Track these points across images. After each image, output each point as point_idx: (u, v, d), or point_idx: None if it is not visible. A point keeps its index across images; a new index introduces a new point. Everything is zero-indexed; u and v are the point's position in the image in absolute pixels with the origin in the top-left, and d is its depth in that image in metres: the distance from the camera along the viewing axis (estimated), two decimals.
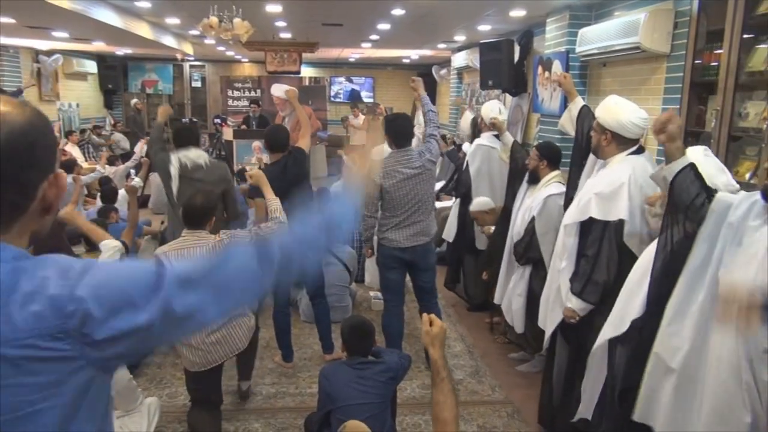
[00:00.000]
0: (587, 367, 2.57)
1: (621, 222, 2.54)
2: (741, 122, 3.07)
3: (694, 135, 3.47)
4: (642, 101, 4.11)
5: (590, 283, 2.60)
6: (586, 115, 3.07)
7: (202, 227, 3.01)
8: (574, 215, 2.70)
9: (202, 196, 3.10)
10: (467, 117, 5.70)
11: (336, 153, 8.48)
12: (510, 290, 3.72)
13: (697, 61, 3.42)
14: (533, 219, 3.46)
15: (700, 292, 1.94)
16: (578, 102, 3.19)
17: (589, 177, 2.87)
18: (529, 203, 3.57)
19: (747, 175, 3.02)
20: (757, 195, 1.82)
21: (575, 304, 2.64)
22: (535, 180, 3.59)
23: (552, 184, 3.50)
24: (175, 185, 3.74)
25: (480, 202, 4.39)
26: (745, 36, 2.99)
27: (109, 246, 3.01)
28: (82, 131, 10.27)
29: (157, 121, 4.40)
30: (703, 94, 3.46)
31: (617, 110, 2.65)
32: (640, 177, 2.60)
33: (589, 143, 2.85)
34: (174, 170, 3.90)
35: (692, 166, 2.02)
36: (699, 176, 2.01)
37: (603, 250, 2.57)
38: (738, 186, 2.23)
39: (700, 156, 2.24)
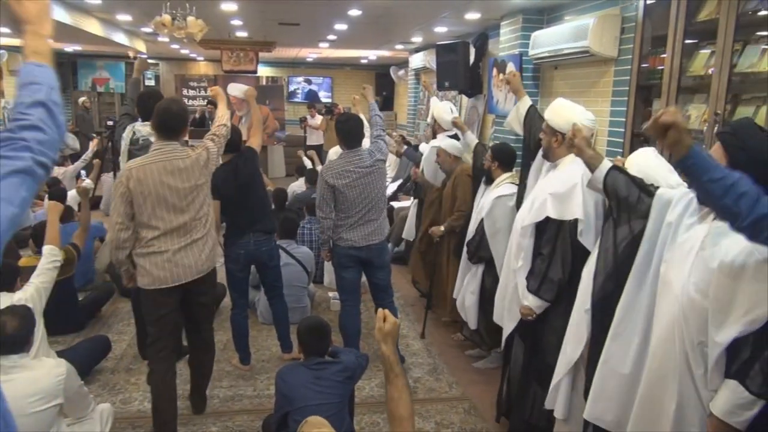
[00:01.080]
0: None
1: (575, 221, 2.61)
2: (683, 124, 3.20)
3: (642, 136, 3.59)
4: (591, 103, 4.24)
5: (546, 281, 2.66)
6: (533, 116, 3.14)
7: (176, 138, 2.78)
8: (531, 216, 2.75)
9: (178, 103, 2.87)
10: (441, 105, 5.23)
11: (296, 153, 8.42)
12: (464, 288, 3.78)
13: (643, 65, 3.55)
14: (482, 220, 3.52)
15: (645, 290, 2.00)
16: (526, 101, 3.23)
17: (537, 177, 2.94)
18: (482, 203, 3.63)
19: None
20: (693, 193, 1.91)
21: (532, 301, 2.71)
22: (490, 180, 3.66)
23: (503, 185, 3.56)
24: (122, 163, 3.38)
25: (450, 143, 4.30)
26: (686, 42, 3.12)
27: (51, 255, 2.96)
28: None
29: (133, 77, 4.01)
30: (648, 96, 3.59)
31: (567, 112, 2.72)
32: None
33: (537, 145, 2.92)
34: (124, 145, 3.60)
35: (616, 168, 2.15)
36: (626, 174, 2.13)
37: (558, 248, 2.65)
38: (686, 184, 2.33)
39: (651, 157, 2.33)
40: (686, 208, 1.90)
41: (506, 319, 3.00)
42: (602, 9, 4.15)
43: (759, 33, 2.78)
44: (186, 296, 2.92)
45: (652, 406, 1.89)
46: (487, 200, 3.54)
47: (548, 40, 4.53)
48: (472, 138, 4.12)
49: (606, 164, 2.18)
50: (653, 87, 3.45)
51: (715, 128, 2.82)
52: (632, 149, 3.43)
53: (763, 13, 2.70)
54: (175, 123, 2.76)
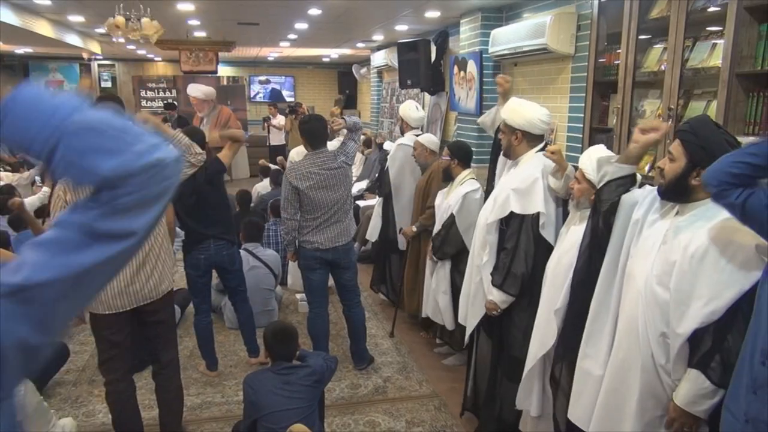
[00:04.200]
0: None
1: (537, 215, 2.66)
2: (639, 119, 3.28)
3: (600, 131, 3.67)
4: (551, 99, 4.31)
5: (510, 275, 2.70)
6: None
7: None
8: (495, 212, 2.78)
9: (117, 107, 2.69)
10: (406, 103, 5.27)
11: (259, 154, 8.35)
12: (434, 290, 3.79)
13: (600, 60, 3.62)
14: (452, 216, 3.55)
15: (614, 289, 2.04)
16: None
17: (501, 175, 2.98)
18: (447, 201, 3.66)
19: (646, 168, 3.23)
20: (654, 192, 1.95)
21: (497, 296, 2.74)
22: (448, 178, 3.69)
23: (467, 181, 3.61)
24: None
25: (428, 137, 4.29)
26: (640, 38, 3.20)
27: None
28: None
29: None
30: (605, 92, 3.66)
31: (524, 110, 2.77)
32: (550, 170, 2.75)
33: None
34: None
35: (633, 178, 2.09)
36: (628, 186, 2.08)
37: (521, 242, 2.69)
38: (640, 176, 2.39)
39: (602, 153, 2.38)
40: (651, 204, 1.95)
41: (470, 314, 3.02)
42: (558, 7, 4.22)
43: (708, 29, 2.86)
44: (139, 316, 2.72)
45: (615, 396, 1.93)
46: (455, 197, 3.57)
47: (507, 38, 4.58)
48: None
49: (632, 170, 2.11)
50: (610, 83, 3.52)
51: (669, 122, 2.90)
52: (591, 143, 3.50)
53: (711, 9, 2.78)
54: None
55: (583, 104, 3.80)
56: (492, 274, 2.78)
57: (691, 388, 1.70)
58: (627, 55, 3.23)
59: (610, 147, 3.20)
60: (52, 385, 3.59)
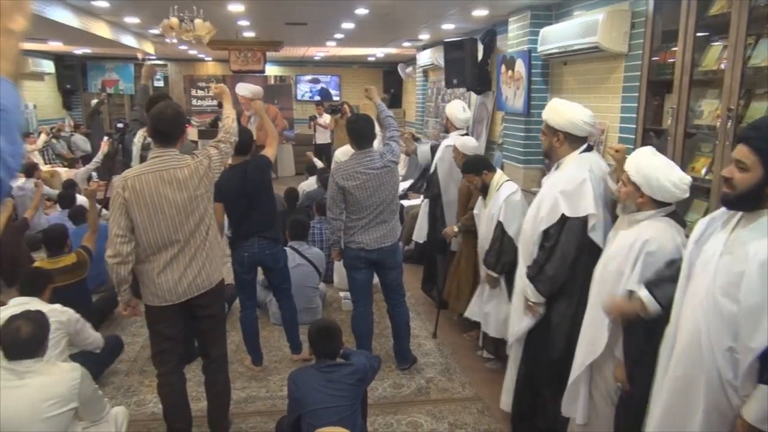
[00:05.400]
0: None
1: (585, 218, 2.60)
2: (696, 119, 3.16)
3: (653, 132, 3.56)
4: (601, 99, 4.21)
5: (542, 273, 2.66)
6: None
7: (173, 144, 2.62)
8: (546, 219, 2.70)
9: (172, 106, 2.68)
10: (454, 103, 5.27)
11: (305, 153, 8.44)
12: (495, 304, 3.66)
13: (654, 59, 3.51)
14: (499, 224, 3.44)
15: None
16: None
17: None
18: (487, 211, 3.60)
19: (703, 171, 3.12)
20: (713, 214, 1.92)
21: (529, 293, 2.70)
22: (485, 190, 3.64)
23: (504, 185, 3.54)
24: (134, 166, 3.21)
25: (463, 142, 4.22)
26: (698, 35, 3.08)
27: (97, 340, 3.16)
28: (52, 129, 10.00)
29: (141, 83, 4.10)
30: (660, 92, 3.54)
31: (566, 111, 2.70)
32: (597, 171, 2.69)
33: None
34: (135, 150, 3.55)
35: (651, 284, 2.13)
36: (665, 279, 2.10)
37: (560, 243, 2.63)
38: (690, 179, 2.31)
39: (649, 155, 2.32)
40: (709, 224, 1.91)
41: (515, 324, 2.97)
42: (611, 4, 4.11)
43: None
44: (192, 310, 2.79)
45: (678, 412, 1.86)
46: (496, 205, 3.50)
47: (557, 36, 4.49)
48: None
49: (644, 294, 2.12)
50: (665, 82, 3.41)
51: (728, 124, 2.78)
52: (644, 144, 3.39)
53: None
54: (170, 128, 2.59)
55: (635, 104, 3.69)
56: (528, 266, 2.73)
57: (761, 405, 1.62)
58: (684, 53, 3.12)
59: (663, 148, 3.11)
60: (106, 374, 3.72)
